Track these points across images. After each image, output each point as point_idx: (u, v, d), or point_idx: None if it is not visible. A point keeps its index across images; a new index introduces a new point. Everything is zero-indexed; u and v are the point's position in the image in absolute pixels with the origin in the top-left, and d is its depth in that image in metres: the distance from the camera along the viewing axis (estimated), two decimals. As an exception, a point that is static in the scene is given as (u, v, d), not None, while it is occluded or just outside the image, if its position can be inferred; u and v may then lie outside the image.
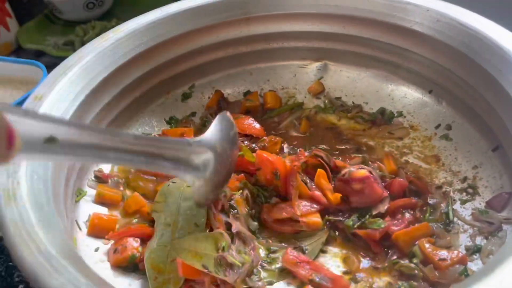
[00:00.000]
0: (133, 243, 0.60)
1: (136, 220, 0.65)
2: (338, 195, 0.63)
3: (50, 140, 0.36)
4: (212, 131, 0.56)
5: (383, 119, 0.77)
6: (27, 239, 0.42)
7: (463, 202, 0.64)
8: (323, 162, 0.66)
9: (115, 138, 0.44)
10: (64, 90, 0.61)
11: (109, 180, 0.69)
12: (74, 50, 0.76)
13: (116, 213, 0.66)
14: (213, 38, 0.78)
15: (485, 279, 0.36)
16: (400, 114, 0.77)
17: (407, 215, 0.62)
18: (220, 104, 0.82)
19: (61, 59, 0.67)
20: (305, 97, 0.83)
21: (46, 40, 1.18)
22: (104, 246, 0.61)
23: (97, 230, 0.62)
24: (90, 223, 0.62)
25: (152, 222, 0.63)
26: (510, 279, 0.35)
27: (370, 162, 0.69)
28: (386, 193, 0.62)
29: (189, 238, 0.57)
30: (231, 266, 0.55)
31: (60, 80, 0.62)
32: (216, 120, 0.58)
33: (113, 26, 0.82)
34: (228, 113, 0.59)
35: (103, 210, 0.65)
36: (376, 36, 0.76)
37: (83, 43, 0.99)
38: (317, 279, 0.55)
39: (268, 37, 0.81)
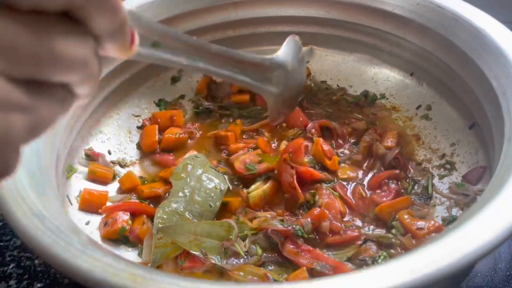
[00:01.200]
0: (124, 217, 0.62)
1: (131, 198, 0.67)
2: (336, 159, 0.68)
3: (156, 45, 0.44)
4: (283, 52, 0.64)
5: (366, 101, 0.80)
6: (20, 201, 0.43)
7: (441, 177, 0.66)
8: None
9: (206, 49, 0.51)
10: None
11: (99, 159, 0.70)
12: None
13: (108, 190, 0.68)
14: (201, 22, 0.80)
15: (450, 233, 0.38)
16: (383, 96, 0.80)
17: (393, 186, 0.65)
18: (210, 87, 0.84)
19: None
20: (291, 80, 0.85)
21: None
22: (95, 220, 0.63)
23: (88, 205, 0.64)
24: (81, 197, 0.64)
25: (145, 200, 0.66)
26: (474, 232, 0.38)
27: (374, 129, 0.73)
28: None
29: (192, 224, 0.59)
30: (236, 255, 0.58)
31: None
32: (286, 42, 0.66)
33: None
34: (297, 37, 0.67)
35: (94, 187, 0.67)
36: (360, 20, 0.78)
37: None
38: (319, 268, 0.56)
39: (256, 22, 0.83)
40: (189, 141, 0.77)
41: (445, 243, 0.38)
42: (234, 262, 0.58)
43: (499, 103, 0.55)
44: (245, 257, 0.58)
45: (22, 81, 0.26)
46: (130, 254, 0.61)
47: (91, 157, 0.70)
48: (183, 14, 0.78)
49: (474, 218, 0.40)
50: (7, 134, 0.25)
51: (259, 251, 0.59)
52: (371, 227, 0.62)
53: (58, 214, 0.45)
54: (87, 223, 0.62)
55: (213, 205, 0.64)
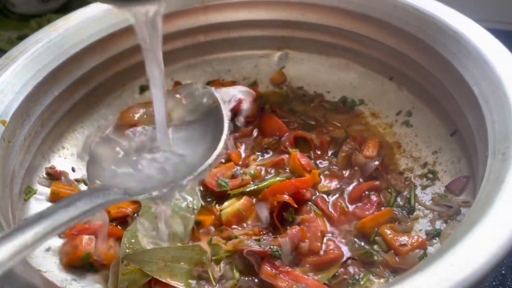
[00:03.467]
0: (88, 241, 0.58)
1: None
2: (316, 172, 0.64)
3: None
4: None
5: (345, 108, 0.77)
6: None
7: (424, 187, 0.64)
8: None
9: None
10: (7, 83, 0.58)
11: (62, 177, 0.66)
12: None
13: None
14: (170, 27, 0.76)
15: (438, 260, 0.35)
16: (362, 102, 0.77)
17: (374, 198, 0.62)
18: (180, 96, 0.80)
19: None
20: (267, 87, 0.82)
21: (-1, 35, 1.13)
22: (55, 246, 0.58)
23: None
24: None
25: (112, 222, 0.61)
26: (462, 259, 0.35)
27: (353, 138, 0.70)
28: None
29: (160, 249, 0.55)
30: (208, 280, 0.54)
31: (3, 72, 0.58)
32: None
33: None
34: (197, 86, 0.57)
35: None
36: (336, 23, 0.75)
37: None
38: None
39: (227, 26, 0.79)
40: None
41: (433, 272, 0.34)
42: (207, 288, 0.55)
43: (482, 111, 0.52)
44: (218, 284, 0.55)
45: None
46: (96, 280, 0.56)
47: (53, 176, 0.65)
48: (150, 20, 0.74)
49: (462, 242, 0.37)
50: None
51: (236, 274, 0.56)
52: (354, 243, 0.58)
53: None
54: (47, 250, 0.57)
55: (186, 225, 0.60)
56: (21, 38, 1.12)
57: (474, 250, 0.36)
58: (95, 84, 0.72)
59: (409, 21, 0.67)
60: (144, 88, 0.79)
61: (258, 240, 0.58)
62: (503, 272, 0.68)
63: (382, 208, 0.62)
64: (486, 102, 0.52)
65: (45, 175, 0.65)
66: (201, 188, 0.65)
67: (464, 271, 0.34)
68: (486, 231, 0.37)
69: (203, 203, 0.64)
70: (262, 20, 0.78)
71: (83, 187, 0.66)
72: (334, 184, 0.66)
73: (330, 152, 0.70)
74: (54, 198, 0.63)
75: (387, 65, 0.74)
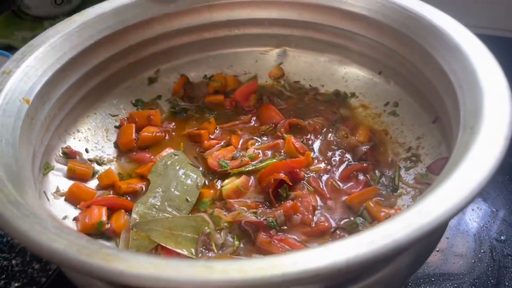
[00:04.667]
0: (102, 211, 0.63)
1: (109, 194, 0.68)
2: (309, 153, 0.70)
3: None
4: None
5: (337, 100, 0.83)
6: (-4, 189, 0.45)
7: (407, 168, 0.69)
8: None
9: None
10: (31, 67, 0.64)
11: (77, 157, 0.72)
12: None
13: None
14: (177, 24, 0.82)
15: (406, 211, 0.41)
16: (353, 95, 0.83)
17: (362, 178, 0.68)
18: (186, 87, 0.86)
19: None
20: (266, 81, 0.88)
21: (14, 35, 1.20)
22: (72, 215, 0.64)
23: (73, 197, 0.66)
24: (68, 189, 0.66)
25: (123, 196, 0.68)
26: (427, 209, 0.41)
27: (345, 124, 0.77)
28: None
29: (166, 219, 0.61)
30: (210, 247, 0.60)
31: (27, 57, 0.65)
32: None
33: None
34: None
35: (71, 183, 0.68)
36: (329, 21, 0.81)
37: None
38: None
39: (230, 24, 0.86)
40: (166, 137, 0.79)
41: (402, 218, 0.40)
42: (209, 255, 0.60)
43: (456, 96, 0.58)
44: (219, 251, 0.60)
45: None
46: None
47: (69, 155, 0.71)
48: (159, 17, 0.80)
49: (428, 196, 0.42)
50: None
51: (236, 242, 0.61)
52: (342, 217, 0.64)
53: (35, 203, 0.46)
54: (64, 218, 0.63)
55: (190, 199, 0.66)
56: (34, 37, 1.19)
57: (438, 201, 0.42)
58: (108, 74, 0.79)
59: (396, 19, 0.73)
60: (152, 80, 0.85)
61: (255, 213, 0.64)
62: (482, 251, 0.73)
63: (369, 187, 0.68)
64: (460, 87, 0.58)
65: (61, 154, 0.71)
66: (202, 169, 0.72)
67: (427, 216, 0.40)
68: (449, 188, 0.43)
69: (206, 181, 0.70)
70: (263, 19, 0.85)
71: (96, 166, 0.72)
72: (325, 165, 0.72)
73: (322, 136, 0.76)
74: (71, 174, 0.69)
75: (377, 60, 0.81)
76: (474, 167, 0.44)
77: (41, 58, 0.66)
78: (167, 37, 0.83)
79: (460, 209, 0.41)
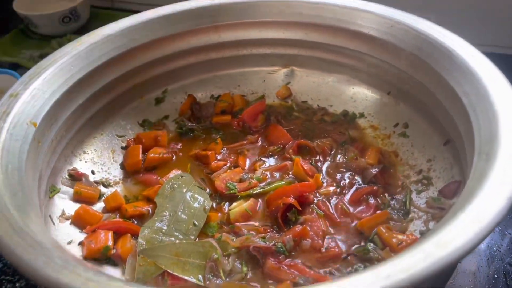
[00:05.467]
0: (108, 236, 0.62)
1: (115, 217, 0.67)
2: (318, 176, 0.69)
3: None
4: None
5: (346, 120, 0.82)
6: (1, 218, 0.44)
7: (419, 192, 0.68)
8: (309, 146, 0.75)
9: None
10: (39, 89, 0.64)
11: (83, 179, 0.71)
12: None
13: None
14: (184, 44, 0.82)
15: (423, 241, 0.40)
16: (362, 115, 0.82)
17: (372, 201, 0.67)
18: (193, 108, 0.85)
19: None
20: (273, 101, 0.88)
21: (21, 53, 1.20)
22: (78, 240, 0.63)
23: (80, 221, 0.65)
24: (75, 212, 0.65)
25: (129, 219, 0.67)
26: (445, 239, 0.39)
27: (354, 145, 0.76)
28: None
29: (173, 245, 0.60)
30: (217, 274, 0.58)
31: (35, 79, 0.64)
32: None
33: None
34: None
35: (77, 206, 0.67)
36: (337, 42, 0.81)
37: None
38: (302, 281, 0.56)
39: (238, 44, 0.86)
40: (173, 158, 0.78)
41: (419, 250, 0.39)
42: (217, 282, 0.59)
43: (470, 119, 0.57)
44: (227, 277, 0.59)
45: None
46: (113, 272, 0.61)
47: (75, 177, 0.70)
48: (168, 37, 0.80)
49: (446, 226, 0.41)
50: None
51: (244, 268, 0.60)
52: (353, 242, 0.62)
53: (40, 231, 0.45)
54: (69, 243, 0.62)
55: (197, 223, 0.64)
56: (42, 56, 1.19)
57: (457, 232, 0.40)
58: (115, 95, 0.78)
59: (404, 40, 0.72)
60: (159, 100, 0.85)
61: (264, 238, 0.62)
62: (495, 276, 0.71)
63: (379, 211, 0.66)
64: (474, 110, 0.57)
65: (67, 176, 0.70)
66: (209, 191, 0.70)
67: (446, 248, 0.38)
68: (468, 217, 0.42)
69: (214, 204, 0.69)
70: (270, 39, 0.84)
71: (102, 188, 0.72)
72: (334, 188, 0.71)
73: (331, 157, 0.75)
74: (77, 197, 0.68)
75: (385, 80, 0.80)
76: (493, 196, 0.43)
77: (48, 80, 0.66)
78: (175, 58, 0.83)
79: (481, 240, 0.39)
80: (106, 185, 0.73)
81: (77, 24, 1.26)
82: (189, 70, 0.86)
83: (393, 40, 0.74)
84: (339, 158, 0.75)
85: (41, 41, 1.24)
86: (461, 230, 0.40)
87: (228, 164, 0.75)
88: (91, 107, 0.74)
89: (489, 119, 0.53)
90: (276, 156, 0.77)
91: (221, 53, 0.86)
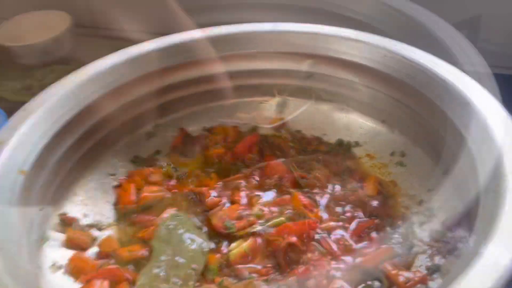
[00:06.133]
0: (104, 285, 0.59)
1: (110, 263, 0.64)
2: (318, 211, 0.67)
3: None
4: None
5: (341, 150, 0.81)
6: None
7: (421, 224, 0.67)
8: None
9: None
10: (26, 135, 0.61)
11: (73, 223, 0.68)
12: (33, 94, 0.75)
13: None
14: (175, 77, 0.81)
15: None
16: (357, 144, 0.81)
17: (374, 235, 0.65)
18: (185, 141, 0.83)
19: (20, 104, 0.67)
20: (266, 132, 0.86)
21: (3, 85, 1.17)
22: (71, 291, 0.60)
23: (74, 270, 0.62)
24: (69, 261, 0.62)
25: (126, 264, 0.63)
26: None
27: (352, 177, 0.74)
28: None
29: None
30: None
31: (22, 124, 0.62)
32: None
33: (72, 70, 0.82)
34: None
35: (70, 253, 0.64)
36: (329, 71, 0.81)
37: (41, 88, 0.98)
38: None
39: (229, 76, 0.84)
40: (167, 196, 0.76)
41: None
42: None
43: (471, 153, 0.57)
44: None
45: None
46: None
47: (65, 222, 0.67)
48: (156, 72, 0.79)
49: (460, 279, 0.40)
50: None
51: None
52: (358, 280, 0.61)
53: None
54: (63, 295, 0.59)
55: (196, 267, 0.62)
56: (25, 88, 1.16)
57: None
58: (104, 133, 0.76)
59: (399, 69, 0.72)
60: (151, 135, 0.83)
61: (266, 280, 0.60)
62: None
63: (383, 245, 0.65)
64: (474, 143, 0.57)
65: (58, 221, 0.67)
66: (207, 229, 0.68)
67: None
68: (482, 268, 0.41)
69: (213, 245, 0.66)
70: (262, 70, 0.84)
71: (95, 232, 0.69)
72: (335, 222, 0.69)
73: (330, 188, 0.73)
74: (69, 243, 0.65)
75: (379, 109, 0.79)
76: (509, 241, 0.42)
77: (35, 124, 0.63)
78: (165, 91, 0.81)
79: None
80: (99, 228, 0.70)
81: (61, 53, 1.23)
82: (180, 103, 0.84)
83: (386, 70, 0.74)
84: (337, 190, 0.74)
85: (23, 72, 1.21)
86: (479, 281, 0.39)
87: (224, 201, 0.73)
88: (80, 147, 0.72)
89: (492, 155, 0.53)
90: (273, 190, 0.75)
91: (212, 84, 0.85)
